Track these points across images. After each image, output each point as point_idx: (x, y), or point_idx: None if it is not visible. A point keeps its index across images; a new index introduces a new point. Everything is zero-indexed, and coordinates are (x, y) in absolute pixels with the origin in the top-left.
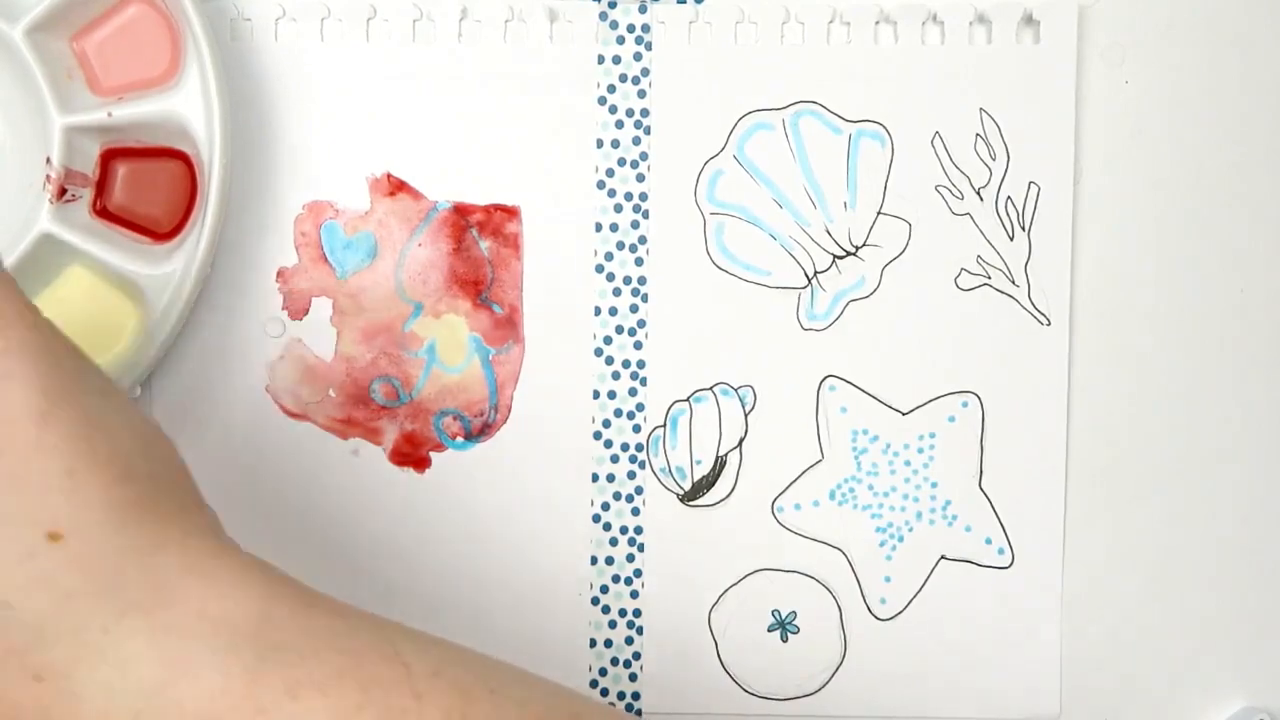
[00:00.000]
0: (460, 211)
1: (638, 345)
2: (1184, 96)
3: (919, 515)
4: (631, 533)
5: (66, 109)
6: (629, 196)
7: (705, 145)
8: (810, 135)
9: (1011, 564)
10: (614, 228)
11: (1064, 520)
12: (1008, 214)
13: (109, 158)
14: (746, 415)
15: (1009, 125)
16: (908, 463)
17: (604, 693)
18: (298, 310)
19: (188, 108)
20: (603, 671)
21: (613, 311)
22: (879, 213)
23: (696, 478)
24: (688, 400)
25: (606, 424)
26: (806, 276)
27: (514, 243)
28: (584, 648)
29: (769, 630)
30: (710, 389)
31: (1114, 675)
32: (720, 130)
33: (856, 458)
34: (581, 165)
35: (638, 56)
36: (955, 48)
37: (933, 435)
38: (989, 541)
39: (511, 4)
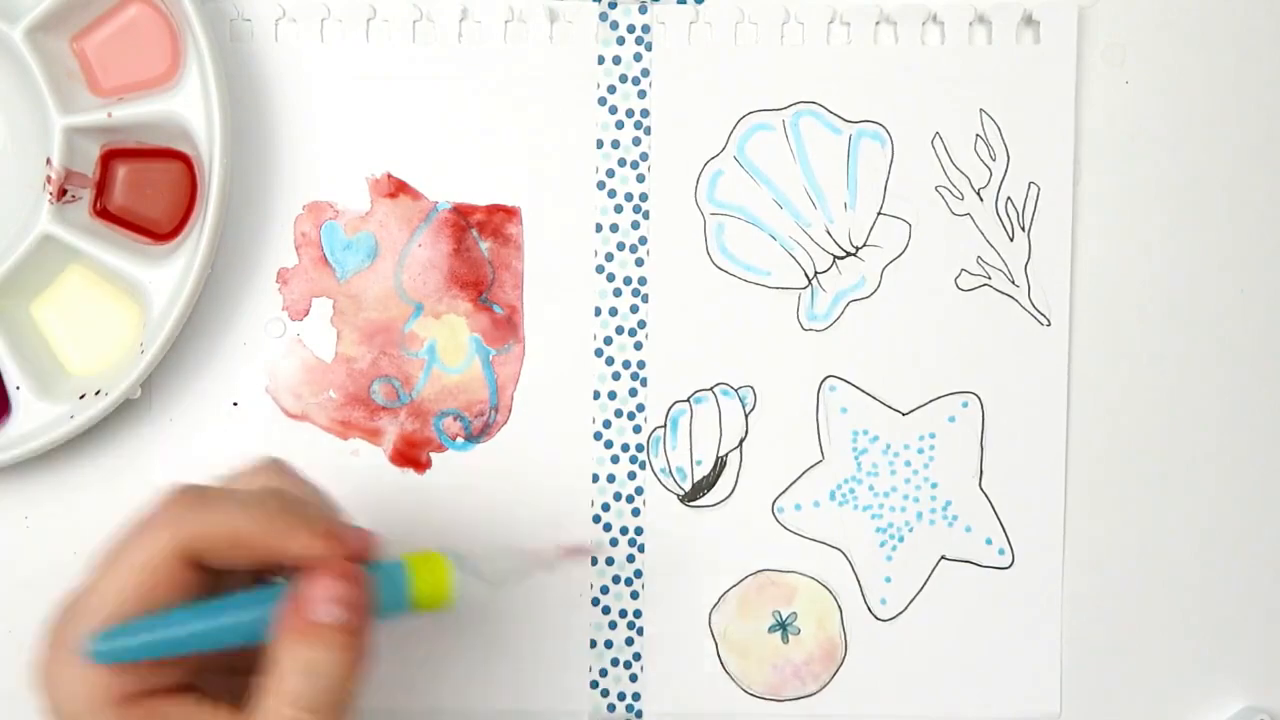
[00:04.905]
0: (460, 212)
1: (638, 345)
2: (1184, 96)
3: (919, 515)
4: (631, 533)
5: (66, 109)
6: (629, 197)
7: (705, 145)
8: (810, 135)
9: (1011, 564)
10: (614, 228)
11: (1064, 520)
12: (1008, 214)
13: (109, 158)
14: (746, 415)
15: (1009, 125)
16: (908, 463)
17: (604, 693)
18: (298, 311)
19: (188, 108)
20: (603, 672)
21: (613, 311)
22: (879, 213)
23: (697, 478)
24: (688, 400)
25: (606, 424)
26: (806, 277)
27: (514, 243)
28: (584, 648)
29: (769, 630)
30: (710, 389)
31: (1114, 675)
32: (720, 130)
33: (856, 458)
34: (581, 165)
35: (638, 57)
36: (955, 48)
37: (933, 435)
38: (989, 541)
39: (511, 4)
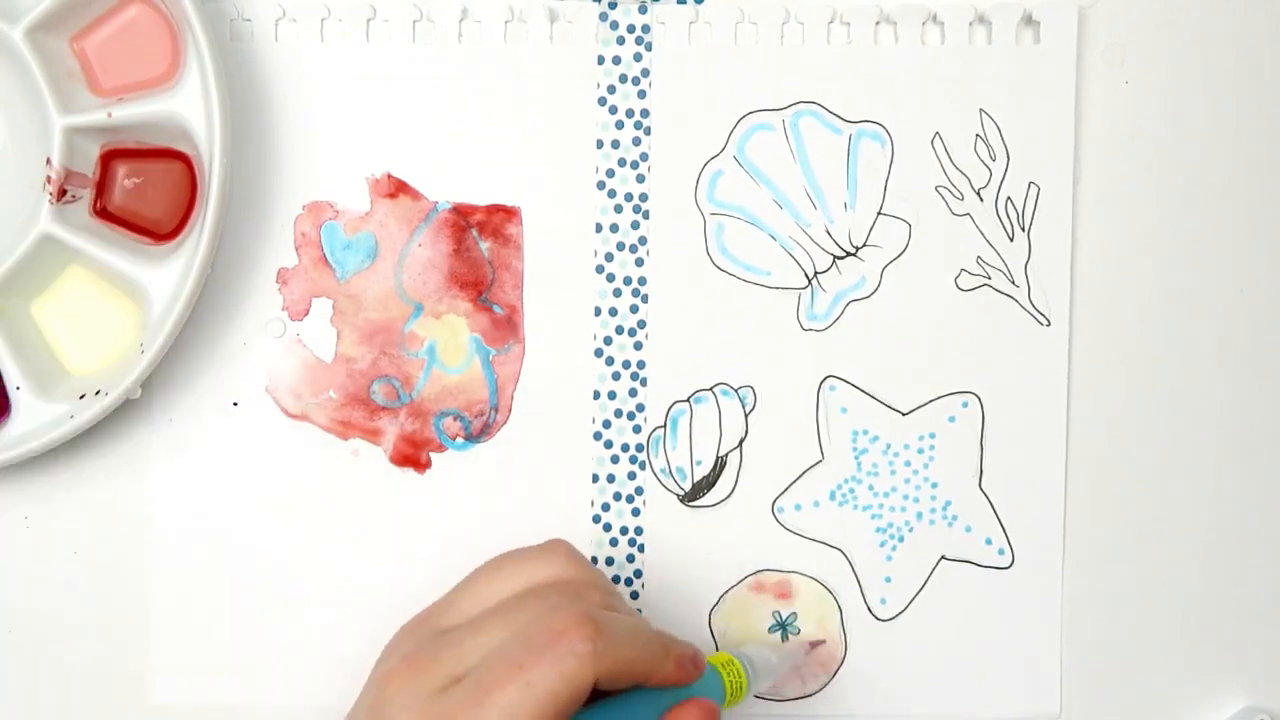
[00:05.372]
0: (460, 212)
1: (638, 345)
2: (1184, 96)
3: (919, 515)
4: (631, 533)
5: (66, 109)
6: (629, 197)
7: (705, 145)
8: (810, 135)
9: (1011, 564)
10: (614, 228)
11: (1064, 520)
12: (1008, 214)
13: (109, 158)
14: (746, 415)
15: (1009, 125)
16: (908, 463)
17: None
18: (298, 311)
19: (188, 108)
20: None
21: (613, 311)
22: (879, 213)
23: (697, 478)
24: (688, 400)
25: (606, 424)
26: (806, 277)
27: (514, 243)
28: None
29: (769, 630)
30: (710, 389)
31: (1114, 675)
32: (720, 130)
33: (856, 458)
34: (581, 165)
35: (638, 57)
36: (955, 48)
37: (933, 435)
38: (989, 541)
39: (511, 4)
